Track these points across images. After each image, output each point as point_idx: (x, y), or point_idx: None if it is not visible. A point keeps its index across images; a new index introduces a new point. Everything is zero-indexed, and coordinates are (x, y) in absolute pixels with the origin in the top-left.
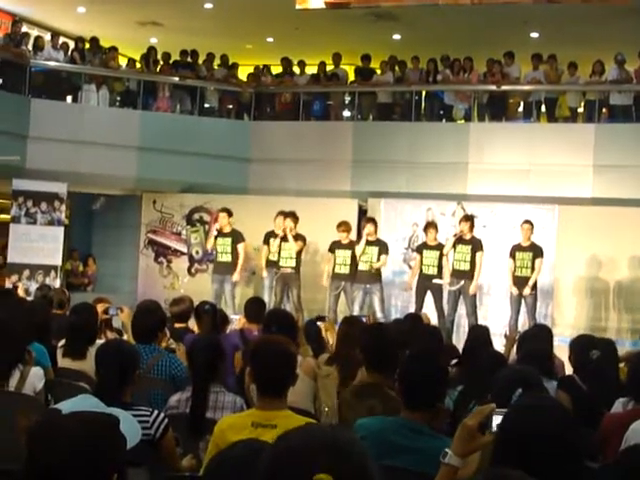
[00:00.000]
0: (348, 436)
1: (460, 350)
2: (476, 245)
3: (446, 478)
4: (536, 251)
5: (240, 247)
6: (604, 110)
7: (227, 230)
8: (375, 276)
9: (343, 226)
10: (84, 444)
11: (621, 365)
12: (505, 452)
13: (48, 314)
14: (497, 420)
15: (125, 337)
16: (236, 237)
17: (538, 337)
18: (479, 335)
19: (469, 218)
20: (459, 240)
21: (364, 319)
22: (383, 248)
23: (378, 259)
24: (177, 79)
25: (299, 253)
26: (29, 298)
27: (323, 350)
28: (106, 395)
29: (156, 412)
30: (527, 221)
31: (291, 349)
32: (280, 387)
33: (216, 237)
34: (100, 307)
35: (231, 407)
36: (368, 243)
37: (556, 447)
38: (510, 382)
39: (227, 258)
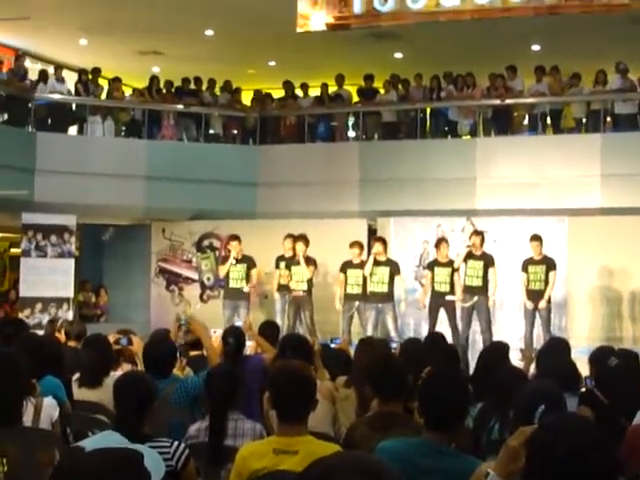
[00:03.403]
0: (382, 463)
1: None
2: (488, 260)
3: None
4: (549, 264)
5: (253, 272)
6: (608, 119)
7: (239, 257)
8: (387, 295)
9: (356, 245)
10: None
11: None
12: (535, 471)
13: (59, 347)
14: None
15: (139, 367)
16: (249, 263)
17: (557, 351)
18: (497, 351)
19: (479, 233)
20: (470, 256)
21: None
22: (394, 268)
23: (390, 279)
24: (181, 107)
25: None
26: (40, 332)
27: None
28: (126, 428)
29: (176, 443)
30: (535, 237)
31: (310, 374)
32: (300, 413)
33: (234, 264)
34: (111, 337)
35: (251, 434)
36: (378, 263)
37: (587, 466)
38: (532, 398)
39: (242, 284)
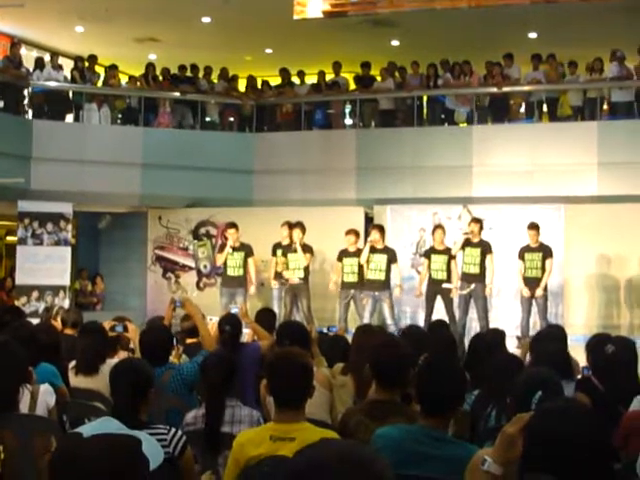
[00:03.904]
0: (367, 450)
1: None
2: (485, 248)
3: None
4: (545, 251)
5: (250, 261)
6: (605, 107)
7: (237, 244)
8: (384, 283)
9: (352, 232)
10: (107, 468)
11: None
12: (533, 457)
13: (56, 334)
14: None
15: (136, 354)
16: (247, 251)
17: (552, 337)
18: (493, 338)
19: (478, 220)
20: (467, 243)
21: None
22: (391, 256)
23: (387, 266)
24: (178, 94)
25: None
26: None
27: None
28: (122, 415)
29: (173, 430)
30: (532, 226)
31: (307, 361)
32: (298, 400)
33: (231, 253)
34: (106, 324)
35: (248, 421)
36: (376, 251)
37: (584, 451)
38: (529, 385)
39: (239, 272)
